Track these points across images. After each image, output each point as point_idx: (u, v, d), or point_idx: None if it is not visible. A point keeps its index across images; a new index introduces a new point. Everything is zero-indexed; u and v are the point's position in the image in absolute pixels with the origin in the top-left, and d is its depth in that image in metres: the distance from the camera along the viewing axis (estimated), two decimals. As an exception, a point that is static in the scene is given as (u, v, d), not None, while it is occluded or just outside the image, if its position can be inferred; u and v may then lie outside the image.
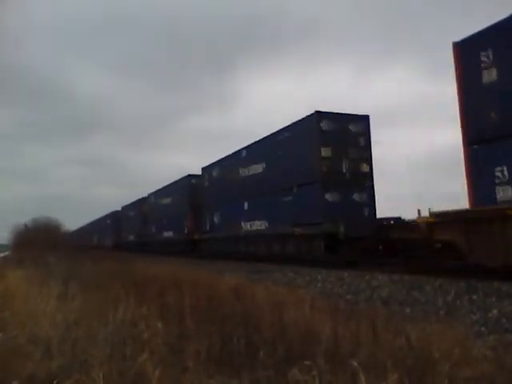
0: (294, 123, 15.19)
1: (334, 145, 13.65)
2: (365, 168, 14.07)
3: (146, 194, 35.80)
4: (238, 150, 19.04)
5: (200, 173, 23.72)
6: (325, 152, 13.58)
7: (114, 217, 46.17)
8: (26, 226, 33.60)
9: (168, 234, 29.00)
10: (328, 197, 13.43)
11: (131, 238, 38.70)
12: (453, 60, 9.10)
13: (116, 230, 44.10)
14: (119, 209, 45.23)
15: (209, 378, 2.96)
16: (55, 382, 3.00)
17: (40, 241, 25.27)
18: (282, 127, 15.82)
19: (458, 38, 8.93)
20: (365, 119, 14.39)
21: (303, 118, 14.60)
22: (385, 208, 16.04)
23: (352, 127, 13.91)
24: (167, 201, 29.91)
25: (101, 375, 2.94)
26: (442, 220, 9.11)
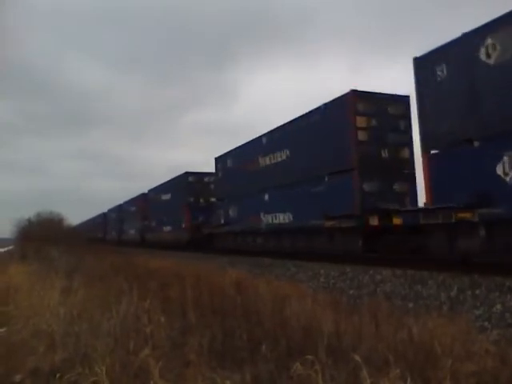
0: (174, 177, 26.88)
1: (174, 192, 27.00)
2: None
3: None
4: (161, 184, 30.02)
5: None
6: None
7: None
8: (29, 220, 33.62)
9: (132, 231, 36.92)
10: (197, 215, 23.40)
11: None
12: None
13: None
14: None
15: (211, 372, 2.96)
16: (58, 375, 3.02)
17: (43, 235, 25.30)
18: (175, 175, 26.74)
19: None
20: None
21: (178, 175, 25.82)
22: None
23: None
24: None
25: (103, 368, 2.95)
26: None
